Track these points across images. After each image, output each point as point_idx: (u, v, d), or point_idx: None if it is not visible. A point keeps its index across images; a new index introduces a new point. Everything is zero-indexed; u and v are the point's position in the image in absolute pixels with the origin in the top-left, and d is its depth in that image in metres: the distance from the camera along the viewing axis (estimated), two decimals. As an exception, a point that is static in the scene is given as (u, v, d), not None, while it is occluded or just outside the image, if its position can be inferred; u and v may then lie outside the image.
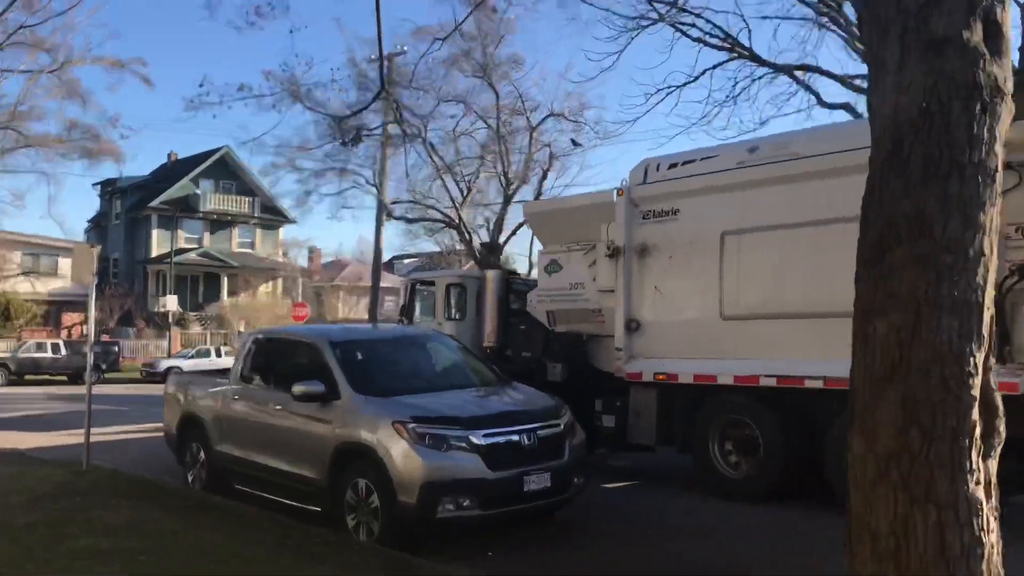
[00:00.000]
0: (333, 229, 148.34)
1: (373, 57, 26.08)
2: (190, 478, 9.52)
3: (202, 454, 9.30)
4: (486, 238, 26.21)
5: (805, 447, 8.72)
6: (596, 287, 10.67)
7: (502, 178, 24.36)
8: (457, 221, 24.60)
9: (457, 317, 12.71)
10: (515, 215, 25.86)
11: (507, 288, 12.43)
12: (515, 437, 7.13)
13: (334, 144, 24.96)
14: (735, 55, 15.22)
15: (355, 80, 23.64)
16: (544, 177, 24.16)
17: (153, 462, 11.21)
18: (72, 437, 14.02)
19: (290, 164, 26.67)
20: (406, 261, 64.44)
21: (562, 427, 7.58)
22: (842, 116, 14.54)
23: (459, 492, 6.82)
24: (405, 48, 25.93)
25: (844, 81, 14.52)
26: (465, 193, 24.94)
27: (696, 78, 15.80)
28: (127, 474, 10.07)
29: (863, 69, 14.93)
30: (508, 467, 6.98)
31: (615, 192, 10.42)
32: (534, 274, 22.82)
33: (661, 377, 9.71)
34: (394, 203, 26.96)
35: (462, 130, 24.63)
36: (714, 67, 15.54)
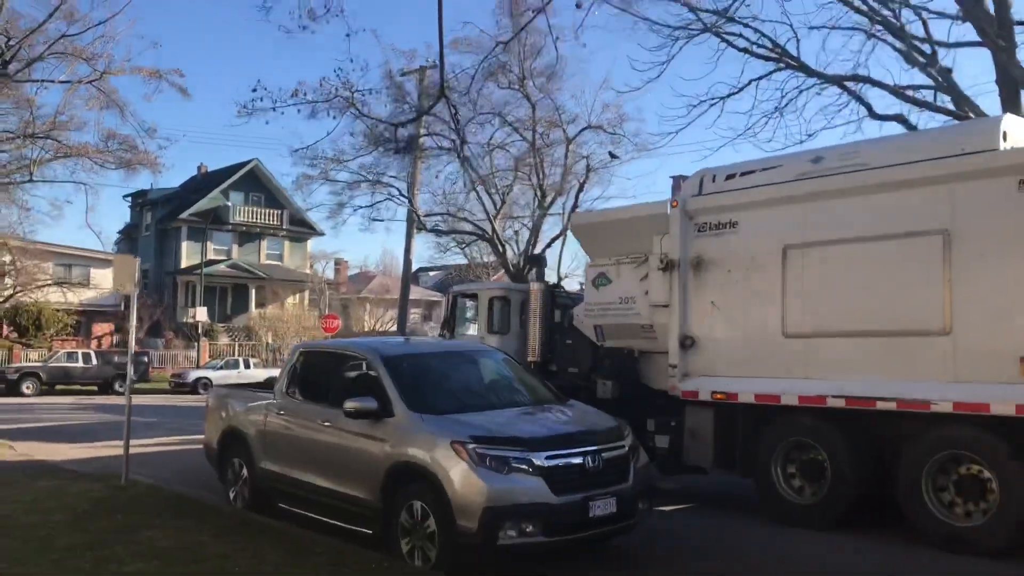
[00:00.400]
0: (359, 241, 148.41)
1: (407, 69, 26.08)
2: (231, 495, 9.25)
3: (244, 471, 9.03)
4: (518, 250, 26.01)
5: (875, 471, 8.31)
6: (648, 301, 10.32)
7: (537, 190, 24.09)
8: (491, 233, 24.35)
9: (500, 331, 12.38)
10: (550, 227, 25.68)
11: (552, 301, 12.10)
12: (579, 459, 6.78)
13: (376, 153, 24.88)
14: (782, 65, 14.86)
15: (392, 92, 23.55)
16: (581, 189, 23.90)
17: (190, 476, 10.98)
18: (105, 449, 13.86)
19: (323, 176, 26.53)
20: (431, 273, 64.48)
21: (627, 449, 7.23)
22: (894, 127, 14.14)
23: (522, 517, 6.47)
24: (435, 62, 25.88)
25: (897, 92, 14.09)
26: (499, 205, 24.69)
27: (741, 89, 15.43)
28: (167, 490, 9.83)
29: (917, 79, 14.55)
30: (573, 491, 6.62)
31: (669, 203, 10.08)
32: (567, 284, 22.66)
33: (719, 396, 9.32)
34: (427, 215, 26.75)
35: (497, 142, 24.44)
36: (760, 78, 15.16)
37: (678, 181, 37.08)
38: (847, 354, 8.48)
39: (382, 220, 28.55)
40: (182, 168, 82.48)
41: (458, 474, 6.53)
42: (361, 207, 27.18)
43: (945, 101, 13.99)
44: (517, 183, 25.36)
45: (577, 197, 24.13)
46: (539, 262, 12.23)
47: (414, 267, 50.67)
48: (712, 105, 15.74)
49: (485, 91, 23.58)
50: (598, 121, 23.36)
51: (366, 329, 52.46)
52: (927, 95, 14.15)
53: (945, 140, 8.29)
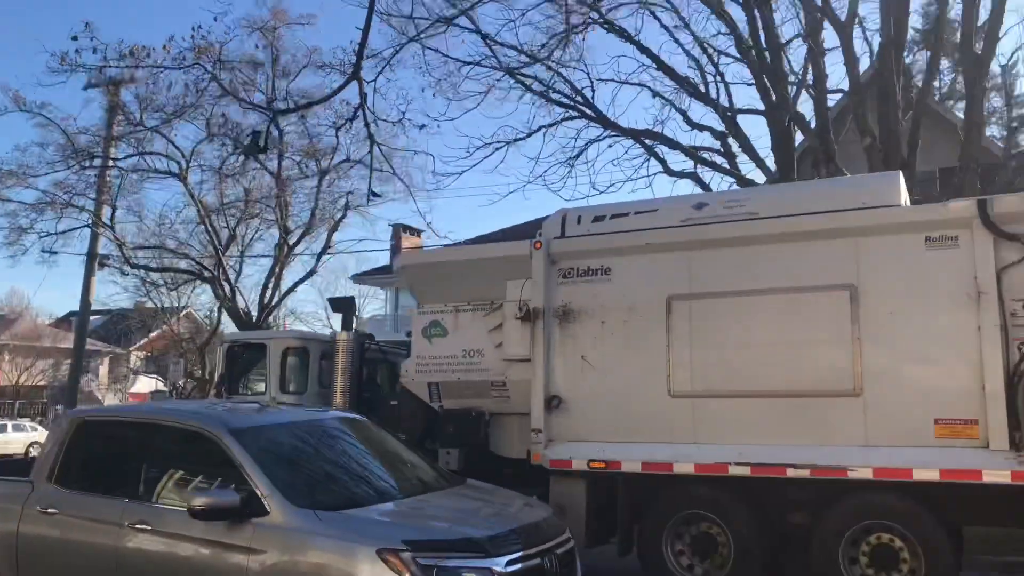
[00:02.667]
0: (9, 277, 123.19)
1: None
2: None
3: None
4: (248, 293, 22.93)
5: (780, 545, 7.65)
6: (501, 355, 8.97)
7: (281, 227, 21.41)
8: (214, 272, 21.17)
9: (297, 389, 10.23)
10: (294, 270, 22.81)
11: (362, 354, 10.24)
12: (538, 561, 5.23)
13: (73, 170, 20.56)
14: (575, 114, 14.52)
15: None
16: (335, 228, 21.69)
17: None
18: None
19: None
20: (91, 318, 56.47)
21: (572, 541, 5.79)
22: (688, 186, 14.38)
23: (483, 651, 4.77)
24: (133, 77, 22.51)
25: (690, 152, 14.32)
26: (227, 241, 21.60)
27: (530, 134, 14.85)
28: None
29: (698, 140, 14.93)
30: (536, 605, 5.06)
31: (532, 244, 8.88)
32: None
33: (598, 465, 8.17)
34: (136, 248, 22.72)
35: (231, 170, 21.40)
36: (551, 125, 14.72)
37: (397, 230, 36.14)
38: (745, 417, 7.78)
39: (55, 253, 23.50)
40: None
41: (393, 598, 4.66)
42: (49, 234, 22.34)
43: (722, 162, 14.50)
44: (256, 218, 22.46)
45: (330, 237, 21.94)
46: (348, 306, 10.33)
47: (65, 311, 43.60)
48: (497, 149, 14.96)
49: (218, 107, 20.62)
50: (358, 155, 21.32)
51: (8, 383, 44.26)
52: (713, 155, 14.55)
53: (842, 193, 8.06)
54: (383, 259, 35.41)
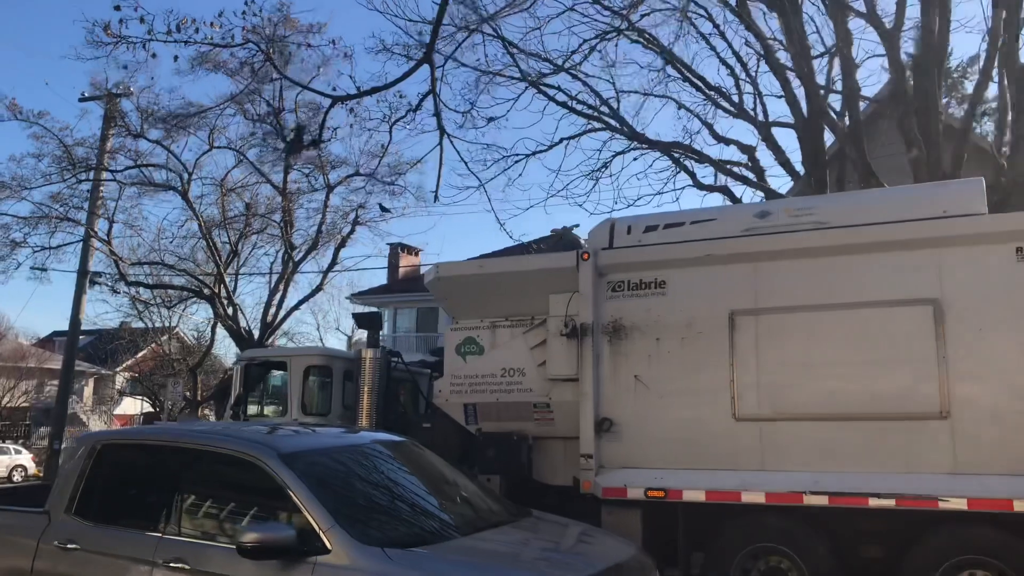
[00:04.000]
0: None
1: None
2: None
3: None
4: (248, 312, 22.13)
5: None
6: (545, 374, 8.36)
7: (286, 243, 20.71)
8: (213, 291, 20.42)
9: (320, 410, 9.55)
10: (300, 287, 22.07)
11: (388, 373, 9.59)
12: (637, 608, 4.60)
13: (68, 182, 19.81)
14: (599, 125, 14.01)
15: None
16: (343, 244, 21.00)
17: None
18: None
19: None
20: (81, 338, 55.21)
21: (663, 582, 5.16)
22: (717, 200, 13.88)
23: None
24: (131, 89, 21.97)
25: (718, 165, 13.84)
26: (228, 257, 20.88)
27: (551, 146, 14.33)
28: None
29: (732, 154, 14.48)
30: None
31: (579, 256, 8.29)
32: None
33: (657, 494, 7.54)
34: (134, 264, 21.93)
35: (233, 184, 20.74)
36: (572, 137, 14.20)
37: (395, 249, 35.36)
38: (819, 441, 7.19)
39: (45, 269, 22.63)
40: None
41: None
42: (42, 248, 21.50)
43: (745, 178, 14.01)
44: (259, 234, 21.76)
45: (337, 253, 21.29)
46: (373, 322, 9.66)
47: (49, 330, 42.45)
48: (516, 161, 14.43)
49: (221, 123, 20.00)
50: (369, 168, 20.59)
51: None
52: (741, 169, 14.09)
53: (921, 201, 7.52)
54: (381, 278, 34.80)
